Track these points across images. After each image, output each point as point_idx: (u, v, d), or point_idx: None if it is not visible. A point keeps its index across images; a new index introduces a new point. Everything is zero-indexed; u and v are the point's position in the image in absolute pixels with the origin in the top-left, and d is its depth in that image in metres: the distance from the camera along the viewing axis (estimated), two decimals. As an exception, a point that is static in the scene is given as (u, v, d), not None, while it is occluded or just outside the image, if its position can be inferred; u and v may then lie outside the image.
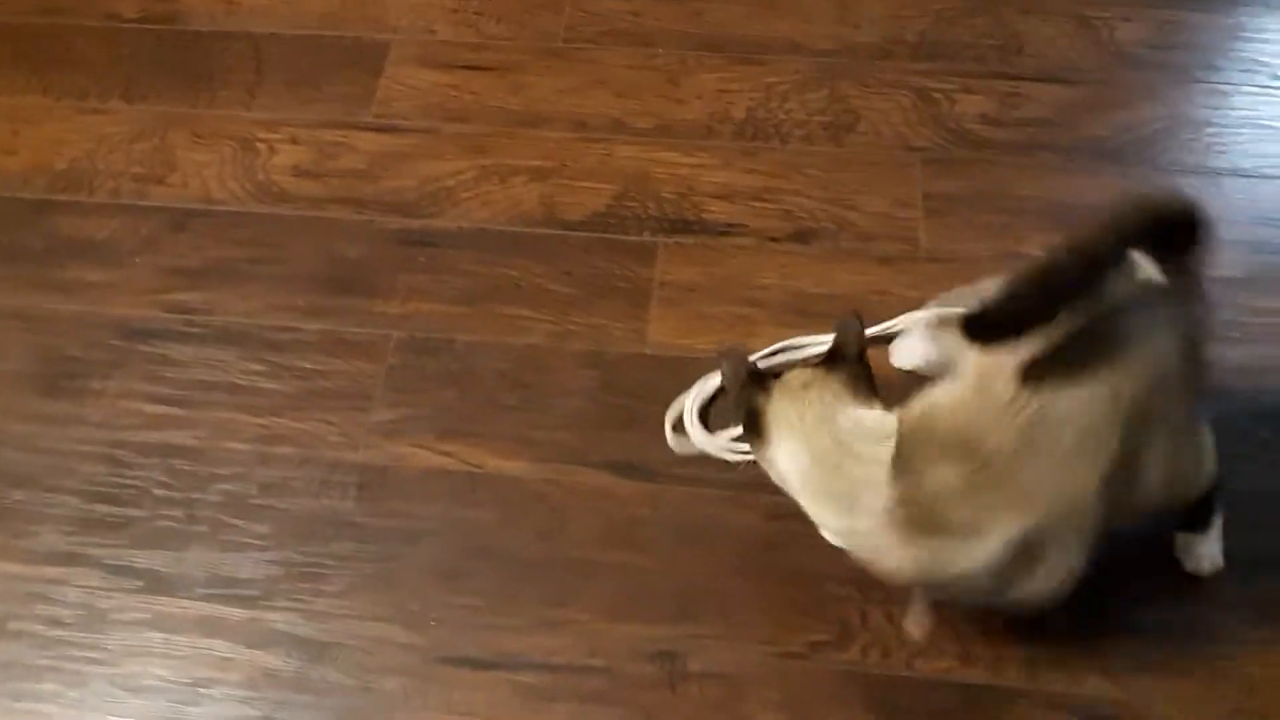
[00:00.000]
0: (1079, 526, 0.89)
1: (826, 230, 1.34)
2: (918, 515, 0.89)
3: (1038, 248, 1.30)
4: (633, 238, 1.34)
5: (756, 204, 1.37)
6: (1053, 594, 0.92)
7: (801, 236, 1.34)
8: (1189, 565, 1.08)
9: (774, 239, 1.34)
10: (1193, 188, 1.37)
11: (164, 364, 1.27)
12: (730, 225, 1.35)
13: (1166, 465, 0.92)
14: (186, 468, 1.19)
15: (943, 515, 0.89)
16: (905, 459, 0.90)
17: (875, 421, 0.93)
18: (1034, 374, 0.87)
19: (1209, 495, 1.03)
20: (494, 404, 1.22)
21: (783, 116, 1.46)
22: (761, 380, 0.99)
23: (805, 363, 1.10)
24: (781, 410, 0.96)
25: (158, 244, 1.36)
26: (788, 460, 0.96)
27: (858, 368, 0.97)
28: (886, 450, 0.90)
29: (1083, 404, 0.87)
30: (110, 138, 1.47)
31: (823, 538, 0.99)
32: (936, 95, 1.48)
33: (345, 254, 1.34)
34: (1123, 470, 0.88)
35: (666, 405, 1.20)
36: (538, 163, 1.41)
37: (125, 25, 1.60)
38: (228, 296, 1.31)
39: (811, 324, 1.24)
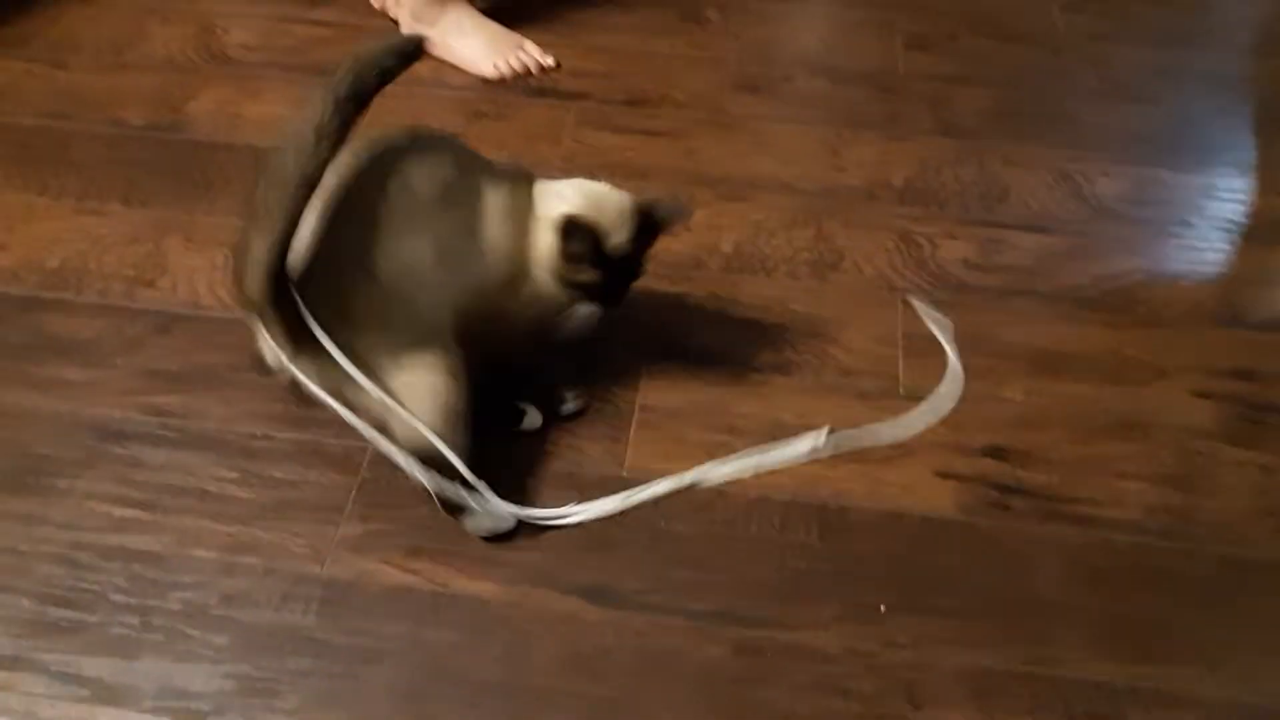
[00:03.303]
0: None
1: (808, 363, 1.36)
2: None
3: (1019, 393, 1.33)
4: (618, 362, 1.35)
5: (740, 335, 1.39)
6: None
7: (783, 368, 1.35)
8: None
9: (756, 370, 1.35)
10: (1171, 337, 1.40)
11: (135, 466, 1.25)
12: (713, 354, 1.36)
13: None
14: (147, 574, 1.16)
15: None
16: None
17: None
18: None
19: None
20: (466, 522, 1.20)
21: (768, 252, 1.49)
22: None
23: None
24: None
25: (141, 346, 1.36)
26: None
27: None
28: None
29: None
30: (105, 239, 1.49)
31: (797, 677, 0.95)
32: (919, 239, 1.51)
33: (328, 364, 1.34)
34: None
35: (644, 530, 1.19)
36: (526, 284, 1.43)
37: (130, 132, 1.64)
38: (206, 401, 1.31)
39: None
